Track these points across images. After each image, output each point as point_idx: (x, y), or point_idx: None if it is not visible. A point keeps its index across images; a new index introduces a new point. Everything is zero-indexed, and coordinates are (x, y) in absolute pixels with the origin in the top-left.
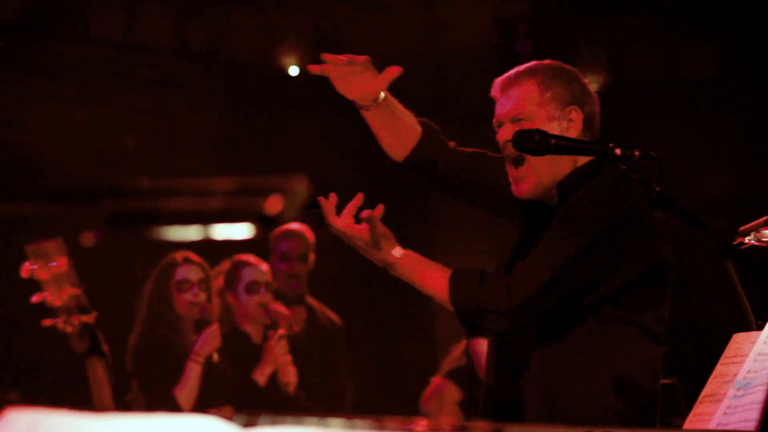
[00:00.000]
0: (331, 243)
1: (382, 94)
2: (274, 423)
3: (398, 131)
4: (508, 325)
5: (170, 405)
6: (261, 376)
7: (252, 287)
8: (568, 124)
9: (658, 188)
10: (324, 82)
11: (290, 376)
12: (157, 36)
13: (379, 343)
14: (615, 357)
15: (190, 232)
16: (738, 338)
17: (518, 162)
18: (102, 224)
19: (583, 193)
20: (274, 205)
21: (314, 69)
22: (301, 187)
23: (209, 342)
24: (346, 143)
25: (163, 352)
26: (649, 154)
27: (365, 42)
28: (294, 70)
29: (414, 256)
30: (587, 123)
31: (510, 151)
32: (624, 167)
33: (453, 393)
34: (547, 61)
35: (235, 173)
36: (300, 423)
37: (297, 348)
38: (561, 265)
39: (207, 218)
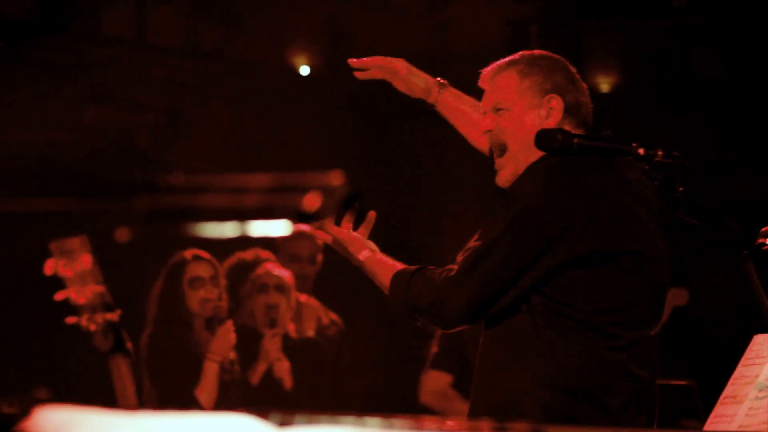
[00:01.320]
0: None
1: (438, 88)
2: (309, 422)
3: (469, 120)
4: (438, 324)
5: (184, 403)
6: (254, 375)
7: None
8: (548, 113)
9: (681, 188)
10: (334, 82)
11: (283, 372)
12: (169, 35)
13: (381, 342)
14: (553, 351)
15: (227, 229)
16: (759, 340)
17: (501, 151)
18: (137, 221)
19: (518, 182)
20: (311, 201)
21: (361, 76)
22: (337, 183)
23: (224, 339)
24: (357, 141)
25: (175, 350)
26: (672, 154)
27: (376, 42)
28: (305, 70)
29: (376, 257)
30: (571, 111)
31: (492, 141)
32: (647, 167)
33: (440, 380)
34: (532, 51)
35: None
36: (336, 422)
37: (301, 348)
38: (473, 265)
39: (244, 215)
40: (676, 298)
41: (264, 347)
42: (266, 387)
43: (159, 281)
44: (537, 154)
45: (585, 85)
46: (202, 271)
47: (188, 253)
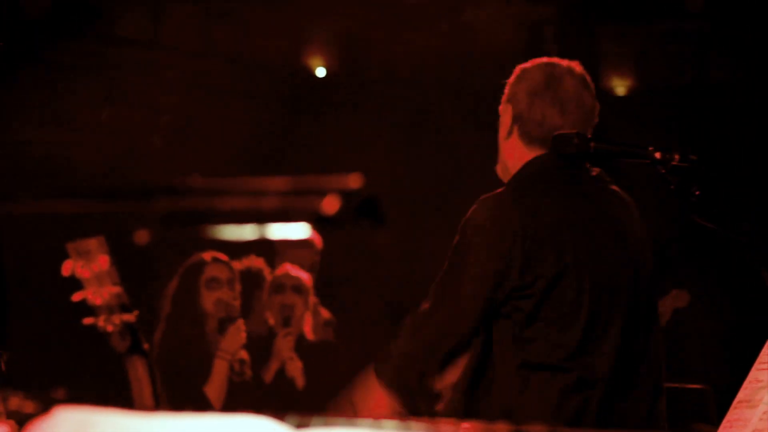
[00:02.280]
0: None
1: None
2: (326, 424)
3: None
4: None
5: (196, 402)
6: (267, 373)
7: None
8: (506, 120)
9: (697, 192)
10: (350, 84)
11: (296, 371)
12: (184, 36)
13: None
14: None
15: (245, 232)
16: None
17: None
18: (155, 223)
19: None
20: (330, 204)
21: None
22: (356, 186)
23: (235, 338)
24: (374, 143)
25: (187, 349)
26: (689, 157)
27: (391, 45)
28: (321, 72)
29: None
30: (516, 121)
31: None
32: (663, 171)
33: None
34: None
35: (261, 174)
36: (352, 425)
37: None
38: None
39: (262, 218)
40: (677, 300)
41: (277, 346)
42: (278, 386)
43: (174, 279)
44: (520, 154)
45: (573, 88)
46: (220, 273)
47: (207, 255)
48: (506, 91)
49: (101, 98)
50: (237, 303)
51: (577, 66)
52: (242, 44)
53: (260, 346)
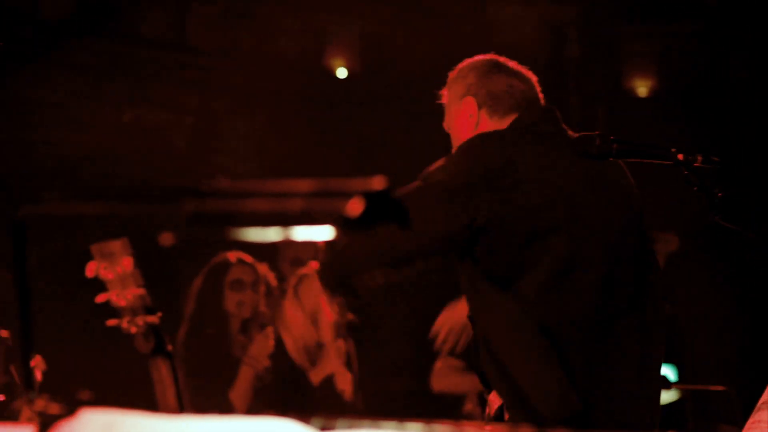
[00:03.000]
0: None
1: None
2: (351, 426)
3: None
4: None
5: (214, 399)
6: (316, 377)
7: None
8: (469, 114)
9: (719, 193)
10: (371, 83)
11: (346, 384)
12: (207, 37)
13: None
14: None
15: (270, 234)
16: None
17: None
18: (180, 225)
19: None
20: (355, 206)
21: None
22: (381, 188)
23: (263, 346)
24: (395, 143)
25: (209, 349)
26: (711, 159)
27: (412, 45)
28: (342, 72)
29: None
30: (489, 103)
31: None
32: (686, 172)
33: (449, 363)
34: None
35: (283, 174)
36: (377, 427)
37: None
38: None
39: (287, 220)
40: (667, 244)
41: (328, 355)
42: (326, 393)
43: (199, 279)
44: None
45: (516, 67)
46: (245, 275)
47: (232, 255)
48: (457, 91)
49: (124, 99)
50: (262, 307)
51: None
52: (264, 45)
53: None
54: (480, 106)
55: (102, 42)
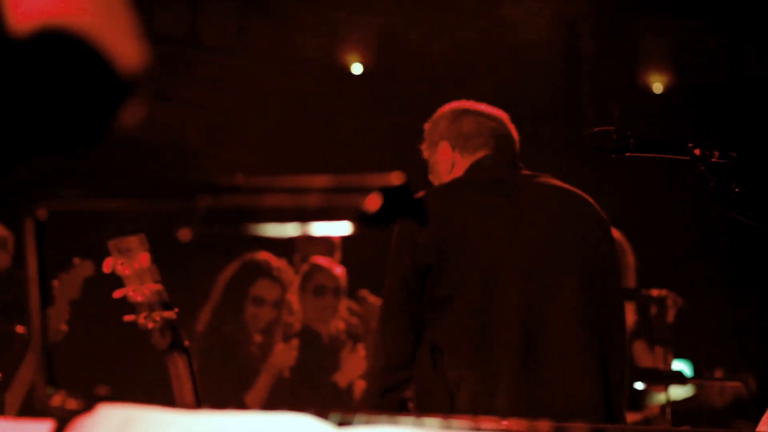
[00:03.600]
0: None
1: None
2: (368, 422)
3: None
4: None
5: (234, 403)
6: (342, 379)
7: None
8: (444, 157)
9: (736, 188)
10: (387, 80)
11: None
12: (221, 34)
13: None
14: None
15: (288, 230)
16: None
17: None
18: (197, 221)
19: None
20: (373, 202)
21: None
22: (399, 184)
23: (286, 356)
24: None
25: (228, 351)
26: (728, 154)
27: (427, 41)
28: (357, 68)
29: None
30: (460, 143)
31: None
32: (703, 168)
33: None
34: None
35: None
36: (395, 422)
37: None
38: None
39: (305, 215)
40: (675, 304)
41: (350, 362)
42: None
43: (229, 270)
44: (444, 169)
45: (485, 108)
46: (269, 293)
47: (264, 263)
48: (432, 139)
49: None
50: (293, 319)
51: None
52: (279, 41)
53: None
54: (453, 148)
55: None
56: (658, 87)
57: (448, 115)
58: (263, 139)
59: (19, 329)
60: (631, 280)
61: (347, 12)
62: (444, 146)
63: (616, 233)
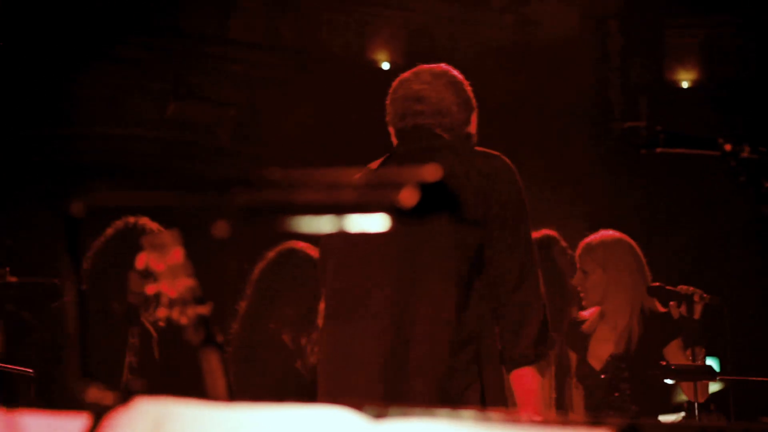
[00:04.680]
0: None
1: None
2: (404, 415)
3: None
4: None
5: (267, 395)
6: None
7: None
8: None
9: (767, 184)
10: None
11: None
12: (251, 30)
13: None
14: None
15: (323, 224)
16: None
17: None
18: (233, 215)
19: None
20: (408, 197)
21: None
22: (434, 178)
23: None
24: None
25: (263, 341)
26: (759, 149)
27: (456, 37)
28: (386, 65)
29: None
30: (392, 123)
31: None
32: (733, 163)
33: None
34: None
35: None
36: (430, 415)
37: None
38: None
39: (340, 210)
40: (702, 300)
41: None
42: None
43: (263, 262)
44: None
45: (403, 81)
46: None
47: (297, 244)
48: None
49: (168, 93)
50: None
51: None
52: (308, 38)
53: None
54: (390, 126)
55: (145, 36)
56: (685, 82)
57: (390, 94)
58: (293, 136)
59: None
60: (632, 278)
61: (376, 8)
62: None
63: (615, 234)
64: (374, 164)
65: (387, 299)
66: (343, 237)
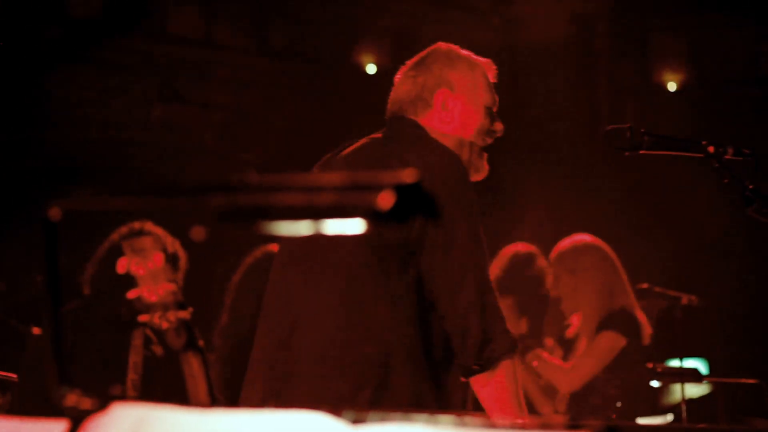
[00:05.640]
0: None
1: None
2: (383, 420)
3: None
4: None
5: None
6: None
7: None
8: None
9: (751, 186)
10: None
11: None
12: (236, 34)
13: None
14: None
15: (300, 228)
16: None
17: None
18: (211, 219)
19: None
20: (386, 200)
21: None
22: (412, 181)
23: None
24: None
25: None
26: (743, 151)
27: (442, 40)
28: (371, 68)
29: None
30: None
31: None
32: (717, 165)
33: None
34: None
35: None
36: (408, 420)
37: None
38: None
39: (317, 213)
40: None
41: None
42: None
43: (239, 271)
44: None
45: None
46: None
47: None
48: None
49: (154, 96)
50: None
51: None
52: (294, 42)
53: None
54: None
55: (131, 40)
56: (673, 84)
57: None
58: (279, 139)
59: (36, 331)
60: (603, 282)
61: (361, 11)
62: None
63: (587, 238)
64: (342, 150)
65: (283, 304)
66: (283, 245)
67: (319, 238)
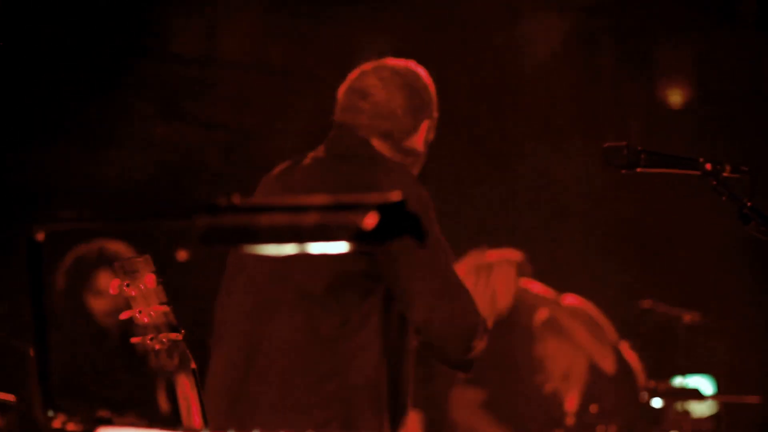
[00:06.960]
0: None
1: None
2: None
3: None
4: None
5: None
6: None
7: None
8: None
9: (749, 203)
10: None
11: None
12: (239, 52)
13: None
14: None
15: (285, 249)
16: None
17: None
18: (195, 241)
19: None
20: (371, 220)
21: None
22: (397, 202)
23: None
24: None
25: None
26: (740, 168)
27: (445, 59)
28: None
29: None
30: None
31: None
32: (714, 183)
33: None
34: None
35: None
36: None
37: None
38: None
39: (302, 234)
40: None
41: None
42: None
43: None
44: None
45: (361, 72)
46: None
47: None
48: None
49: (155, 115)
50: None
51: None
52: (295, 61)
53: None
54: None
55: (132, 59)
56: (677, 101)
57: None
58: (282, 158)
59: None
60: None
61: (362, 31)
62: None
63: (572, 301)
64: (277, 169)
65: (240, 330)
66: (233, 262)
67: (279, 267)
